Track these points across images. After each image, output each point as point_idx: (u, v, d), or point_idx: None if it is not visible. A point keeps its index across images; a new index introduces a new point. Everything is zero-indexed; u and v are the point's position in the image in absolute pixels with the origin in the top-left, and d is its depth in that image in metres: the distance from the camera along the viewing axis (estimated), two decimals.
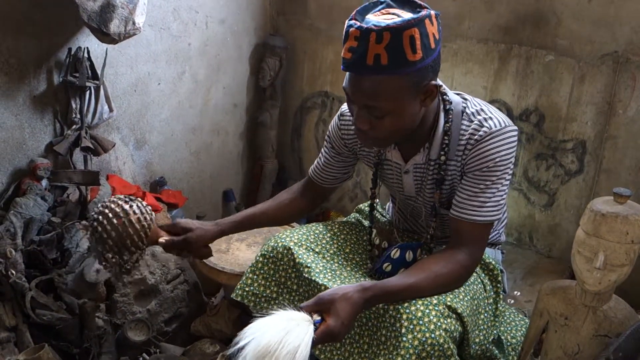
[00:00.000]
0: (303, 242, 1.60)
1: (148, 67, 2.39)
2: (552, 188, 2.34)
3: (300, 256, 1.55)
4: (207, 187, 2.91)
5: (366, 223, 1.80)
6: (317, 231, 1.67)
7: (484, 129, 1.40)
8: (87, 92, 2.03)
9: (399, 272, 1.56)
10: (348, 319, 1.25)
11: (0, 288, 1.73)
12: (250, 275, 1.59)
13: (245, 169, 3.11)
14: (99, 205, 1.63)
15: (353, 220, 1.80)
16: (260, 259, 1.58)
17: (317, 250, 1.60)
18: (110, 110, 2.14)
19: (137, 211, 1.55)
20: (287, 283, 1.58)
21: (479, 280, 1.59)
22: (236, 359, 1.19)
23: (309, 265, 1.54)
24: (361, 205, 1.90)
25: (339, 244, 1.66)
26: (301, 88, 2.97)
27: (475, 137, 1.40)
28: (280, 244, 1.59)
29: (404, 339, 1.32)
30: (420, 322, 1.32)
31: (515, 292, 2.20)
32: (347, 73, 1.33)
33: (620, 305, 1.41)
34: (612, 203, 1.31)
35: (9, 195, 1.93)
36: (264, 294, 1.57)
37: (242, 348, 1.18)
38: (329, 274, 1.54)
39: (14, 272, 1.72)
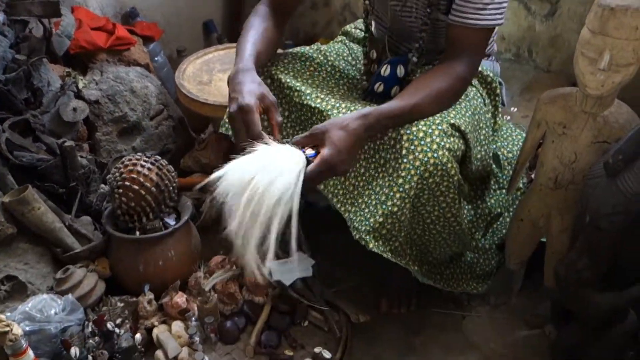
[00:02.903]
0: (290, 70, 1.49)
1: None
2: None
3: (288, 81, 1.45)
4: (185, 17, 2.70)
5: (354, 46, 1.67)
6: (302, 58, 1.53)
7: None
8: None
9: (394, 92, 1.46)
10: (346, 147, 1.15)
11: None
12: None
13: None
14: (118, 170, 1.66)
15: (339, 44, 1.67)
16: None
17: (305, 77, 1.49)
18: None
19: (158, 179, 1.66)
20: (284, 113, 1.49)
21: (479, 94, 1.51)
22: (218, 195, 1.12)
23: (298, 88, 1.44)
24: (347, 27, 1.75)
25: (327, 70, 1.54)
26: None
27: None
28: (265, 72, 1.47)
29: (405, 160, 1.26)
30: (422, 142, 1.25)
31: (512, 108, 2.12)
32: None
33: (623, 109, 1.33)
34: None
35: None
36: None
37: (223, 182, 1.11)
38: (322, 95, 1.44)
39: None
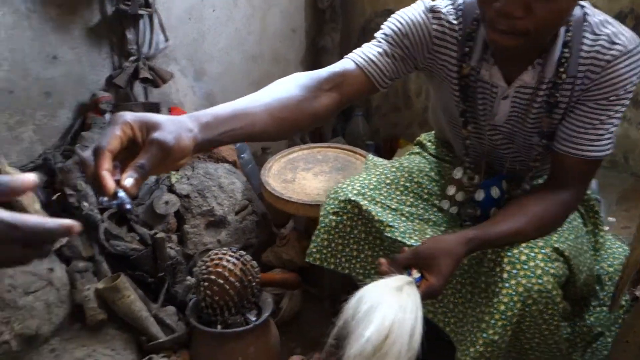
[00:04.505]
0: (377, 198, 1.43)
1: None
2: None
3: (379, 214, 1.40)
4: None
5: (432, 159, 1.60)
6: (387, 181, 1.48)
7: (617, 47, 1.14)
8: (141, 22, 1.97)
9: (492, 213, 1.41)
10: (450, 274, 1.14)
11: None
12: (325, 235, 1.45)
13: None
14: (204, 263, 1.71)
15: (418, 157, 1.61)
16: (333, 217, 1.43)
17: (393, 206, 1.43)
18: (166, 39, 2.08)
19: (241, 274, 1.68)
20: (368, 238, 1.45)
21: (578, 214, 1.44)
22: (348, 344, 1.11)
23: (390, 223, 1.39)
24: (422, 137, 1.69)
25: (414, 191, 1.49)
26: (362, 8, 2.80)
27: (606, 57, 1.15)
28: (352, 202, 1.42)
29: (507, 284, 1.20)
30: (525, 266, 1.20)
31: (610, 219, 2.04)
32: None
33: None
34: None
35: (75, 129, 1.94)
36: (343, 253, 1.46)
37: (356, 332, 1.07)
38: (415, 228, 1.40)
39: (86, 204, 1.73)
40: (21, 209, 1.63)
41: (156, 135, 0.78)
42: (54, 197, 1.76)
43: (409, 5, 1.25)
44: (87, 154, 0.75)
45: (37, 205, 1.68)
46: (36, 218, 0.63)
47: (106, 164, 0.73)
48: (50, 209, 1.73)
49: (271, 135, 1.05)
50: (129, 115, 0.79)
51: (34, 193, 1.67)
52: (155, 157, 0.78)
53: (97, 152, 0.74)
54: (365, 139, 2.84)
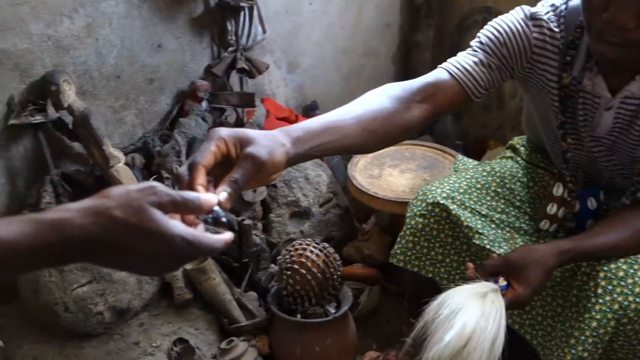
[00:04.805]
0: (466, 202, 1.39)
1: None
2: None
3: (468, 220, 1.36)
4: None
5: (525, 164, 1.54)
6: (478, 185, 1.43)
7: None
8: (242, 13, 2.02)
9: (588, 225, 1.34)
10: (540, 286, 1.11)
11: None
12: (410, 237, 1.43)
13: None
14: (288, 253, 1.75)
15: (511, 161, 1.55)
16: (420, 220, 1.41)
17: (483, 211, 1.39)
18: (264, 31, 2.13)
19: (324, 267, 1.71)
20: (455, 243, 1.42)
21: None
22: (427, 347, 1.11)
23: (480, 230, 1.35)
24: (514, 141, 1.62)
25: (506, 197, 1.44)
26: (460, 3, 2.74)
27: None
28: (440, 205, 1.39)
29: (600, 300, 1.14)
30: (622, 282, 1.14)
31: None
32: None
33: None
34: None
35: (173, 115, 2.02)
36: (428, 257, 1.44)
37: (436, 335, 1.07)
38: (505, 236, 1.37)
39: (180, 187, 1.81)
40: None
41: (250, 150, 0.79)
42: (151, 179, 1.85)
43: (509, 1, 1.20)
44: (183, 169, 0.77)
45: None
46: (207, 237, 0.67)
47: (201, 179, 0.75)
48: None
49: (362, 148, 1.04)
50: (223, 131, 0.80)
51: (135, 176, 1.77)
52: (248, 171, 0.78)
53: (192, 167, 0.75)
54: (454, 139, 2.78)
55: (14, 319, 1.71)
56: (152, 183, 0.65)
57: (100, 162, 1.71)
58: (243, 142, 0.80)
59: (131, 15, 1.82)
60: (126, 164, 1.77)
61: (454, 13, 2.78)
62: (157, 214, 0.62)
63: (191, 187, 0.74)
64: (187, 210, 0.68)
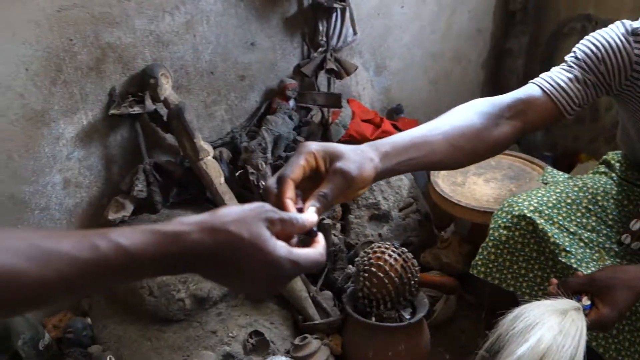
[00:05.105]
0: (555, 218, 1.34)
1: None
2: None
3: (555, 236, 1.31)
4: None
5: (619, 181, 1.46)
6: (568, 200, 1.37)
7: None
8: (334, 14, 2.04)
9: None
10: (627, 308, 1.06)
11: (252, 198, 1.88)
12: (492, 249, 1.39)
13: None
14: (366, 255, 1.74)
15: (605, 177, 1.47)
16: (504, 232, 1.37)
17: (572, 228, 1.34)
18: (354, 33, 2.14)
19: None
20: (540, 258, 1.37)
21: None
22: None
23: (567, 248, 1.30)
24: (609, 155, 1.54)
25: (597, 215, 1.38)
26: (558, 10, 2.63)
27: None
28: (526, 219, 1.34)
29: None
30: None
31: None
32: None
33: None
34: None
35: (261, 112, 2.07)
36: (511, 270, 1.40)
37: (509, 348, 1.06)
38: (594, 256, 1.31)
39: (264, 183, 1.85)
40: (209, 182, 1.79)
41: (340, 164, 0.78)
42: (237, 174, 1.90)
43: (612, 9, 1.13)
44: (271, 181, 0.76)
45: (221, 179, 1.83)
46: (310, 254, 0.68)
47: (289, 192, 0.74)
48: (232, 183, 1.87)
49: (448, 164, 1.01)
50: (313, 145, 0.79)
51: (222, 170, 1.82)
52: (338, 186, 0.78)
53: (281, 180, 0.75)
54: (542, 150, 2.68)
55: (102, 299, 1.81)
56: (261, 203, 0.68)
57: (191, 154, 1.77)
58: (332, 157, 0.79)
59: (228, 13, 1.88)
60: (214, 157, 1.83)
61: (551, 20, 2.67)
62: (267, 233, 0.65)
63: (280, 200, 0.74)
64: (293, 228, 0.69)
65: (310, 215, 0.72)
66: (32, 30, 1.51)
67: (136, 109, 1.72)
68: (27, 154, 1.61)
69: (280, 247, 0.65)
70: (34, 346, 1.59)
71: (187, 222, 0.63)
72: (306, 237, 0.72)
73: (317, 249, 0.70)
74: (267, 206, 0.67)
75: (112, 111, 1.71)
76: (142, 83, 1.75)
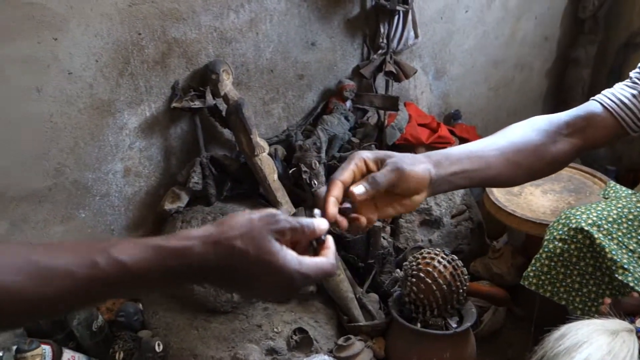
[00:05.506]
0: (614, 234, 1.30)
1: None
2: None
3: (613, 252, 1.28)
4: (502, 125, 2.75)
5: None
6: (630, 216, 1.33)
7: None
8: (396, 17, 2.03)
9: None
10: None
11: (304, 196, 1.89)
12: (546, 261, 1.37)
13: (548, 110, 2.85)
14: (415, 260, 1.73)
15: None
16: (559, 244, 1.34)
17: (631, 245, 1.30)
18: (416, 36, 2.12)
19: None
20: (595, 273, 1.34)
21: None
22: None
23: (625, 266, 1.26)
24: None
25: None
26: (630, 20, 2.54)
27: None
28: (580, 227, 1.31)
29: None
30: None
31: None
32: None
33: None
34: None
35: (317, 112, 2.09)
36: (564, 284, 1.37)
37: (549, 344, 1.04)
38: None
39: (316, 182, 1.86)
40: (262, 177, 1.82)
41: (391, 160, 0.82)
42: (290, 171, 1.92)
43: None
44: (322, 189, 0.80)
45: (275, 176, 1.85)
46: (320, 264, 0.69)
47: (335, 191, 0.77)
48: (285, 180, 1.89)
49: (504, 180, 0.99)
50: (365, 153, 0.83)
51: (276, 167, 1.85)
52: (389, 175, 0.80)
53: (330, 182, 0.79)
54: (605, 164, 2.59)
55: None
56: (273, 211, 0.68)
57: (247, 149, 1.80)
58: (384, 159, 0.83)
59: (291, 12, 1.90)
60: (269, 154, 1.85)
61: (622, 29, 2.58)
62: (276, 246, 0.65)
63: (325, 197, 0.77)
64: (304, 236, 0.70)
65: (321, 221, 0.73)
66: (104, 24, 1.57)
67: (197, 103, 1.76)
68: (92, 141, 1.68)
69: (290, 260, 0.65)
70: (87, 326, 1.66)
71: (191, 235, 0.64)
72: (318, 241, 0.73)
73: (328, 256, 0.71)
74: (279, 215, 0.68)
75: (174, 104, 1.75)
76: (204, 78, 1.79)
